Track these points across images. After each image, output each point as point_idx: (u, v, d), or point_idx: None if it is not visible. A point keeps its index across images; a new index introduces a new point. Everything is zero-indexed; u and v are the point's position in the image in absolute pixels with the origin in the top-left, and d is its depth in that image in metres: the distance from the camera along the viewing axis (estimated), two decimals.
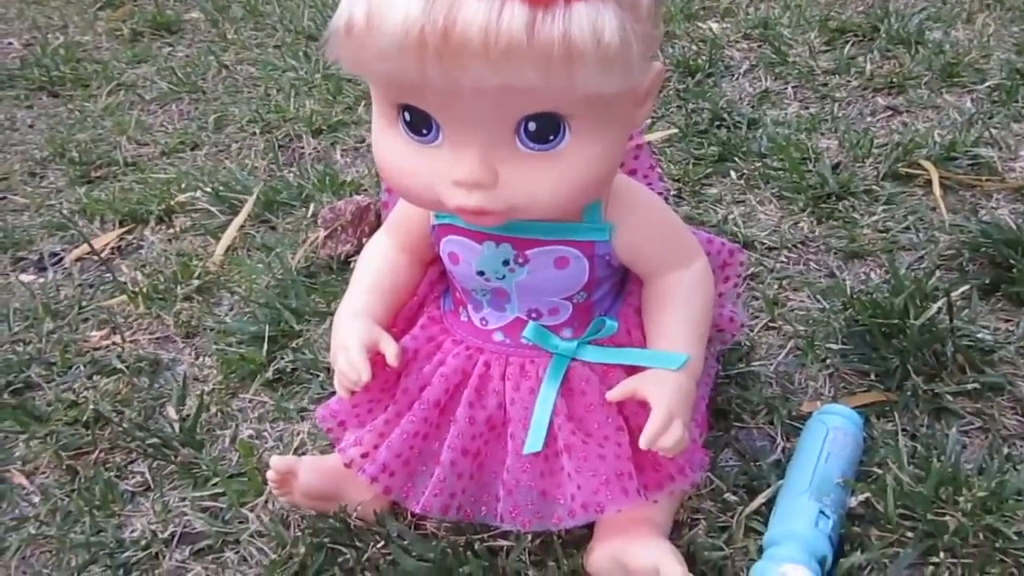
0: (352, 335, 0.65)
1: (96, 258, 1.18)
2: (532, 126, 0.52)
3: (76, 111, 1.64)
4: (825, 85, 1.38)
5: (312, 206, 1.21)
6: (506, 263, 0.64)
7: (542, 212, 0.56)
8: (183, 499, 0.80)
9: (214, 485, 0.80)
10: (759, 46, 1.53)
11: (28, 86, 1.76)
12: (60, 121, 1.61)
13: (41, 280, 1.16)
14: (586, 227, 0.63)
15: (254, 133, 1.47)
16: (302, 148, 1.41)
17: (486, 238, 0.63)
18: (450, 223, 0.65)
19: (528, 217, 0.57)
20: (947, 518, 0.66)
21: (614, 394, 0.64)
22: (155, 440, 0.85)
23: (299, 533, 0.74)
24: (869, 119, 1.28)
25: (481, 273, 0.65)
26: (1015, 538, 0.65)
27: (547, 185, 0.54)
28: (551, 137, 0.53)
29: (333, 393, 0.70)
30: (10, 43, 2.05)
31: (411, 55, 0.47)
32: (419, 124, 0.54)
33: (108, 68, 1.80)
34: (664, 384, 0.63)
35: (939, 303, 0.84)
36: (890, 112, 1.29)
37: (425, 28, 0.46)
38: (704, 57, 1.49)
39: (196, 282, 1.09)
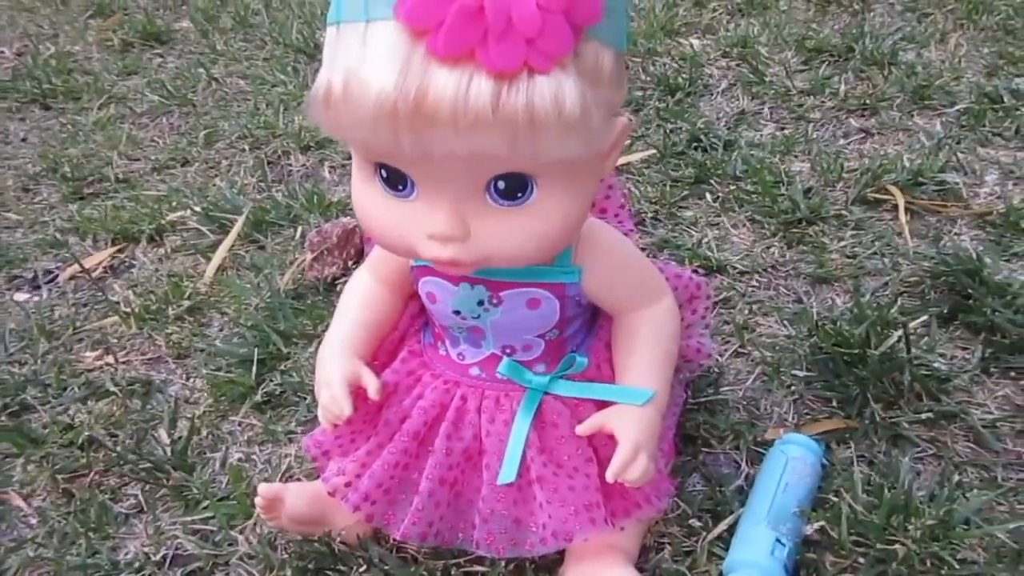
0: (335, 371, 0.69)
1: (88, 278, 1.21)
2: (501, 184, 0.56)
3: (68, 124, 1.67)
4: (801, 106, 1.41)
5: (300, 227, 1.24)
6: (481, 303, 0.67)
7: (512, 262, 0.60)
8: (174, 522, 0.83)
9: (204, 508, 0.83)
10: (738, 65, 1.56)
11: (20, 98, 1.78)
12: (52, 135, 1.64)
13: (36, 299, 1.19)
14: (556, 270, 0.67)
15: (243, 149, 1.50)
16: (290, 165, 1.44)
17: (461, 280, 0.67)
18: (428, 265, 0.68)
19: (499, 266, 0.61)
20: (896, 546, 0.69)
21: (583, 428, 0.67)
22: (147, 464, 0.88)
23: (286, 556, 0.77)
24: (842, 141, 1.32)
25: (457, 312, 0.68)
26: (958, 567, 0.68)
27: (517, 238, 0.58)
28: (519, 194, 0.56)
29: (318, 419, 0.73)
30: (2, 51, 2.07)
31: (385, 125, 0.50)
32: (395, 180, 0.57)
33: (99, 80, 1.82)
34: (631, 418, 0.66)
35: (899, 332, 0.88)
36: (862, 134, 1.33)
37: (398, 101, 0.49)
38: (684, 75, 1.52)
39: (187, 303, 1.12)
